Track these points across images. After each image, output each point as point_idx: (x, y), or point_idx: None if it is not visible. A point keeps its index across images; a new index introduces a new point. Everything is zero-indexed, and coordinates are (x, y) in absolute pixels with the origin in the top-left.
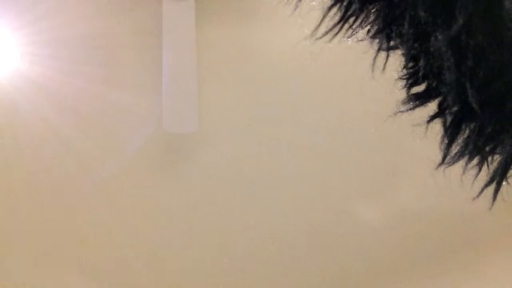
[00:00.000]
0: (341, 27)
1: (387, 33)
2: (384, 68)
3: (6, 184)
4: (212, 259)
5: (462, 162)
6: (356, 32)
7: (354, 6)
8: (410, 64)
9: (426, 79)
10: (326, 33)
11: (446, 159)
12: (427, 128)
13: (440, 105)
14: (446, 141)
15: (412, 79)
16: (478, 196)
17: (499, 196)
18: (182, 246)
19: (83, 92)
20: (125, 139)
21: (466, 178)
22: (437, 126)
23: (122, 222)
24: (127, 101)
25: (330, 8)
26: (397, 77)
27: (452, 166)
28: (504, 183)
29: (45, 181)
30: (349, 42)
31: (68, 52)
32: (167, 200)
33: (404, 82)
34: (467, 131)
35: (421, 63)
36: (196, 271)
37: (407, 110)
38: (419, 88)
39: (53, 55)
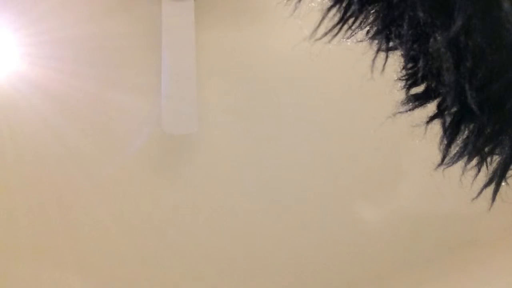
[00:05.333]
0: (340, 28)
1: (386, 34)
2: (383, 69)
3: (6, 184)
4: (212, 259)
5: (461, 163)
6: (355, 33)
7: (353, 7)
8: (409, 65)
9: (425, 80)
10: (325, 34)
11: (445, 160)
12: (426, 129)
13: (439, 106)
14: (445, 141)
15: (411, 80)
16: (477, 196)
17: (498, 197)
18: (181, 246)
19: (83, 92)
20: (125, 139)
21: (465, 179)
22: (436, 127)
23: (121, 222)
24: (126, 101)
25: (329, 9)
26: (396, 78)
27: (452, 167)
28: (503, 183)
29: (45, 181)
30: (348, 43)
31: (67, 52)
32: (167, 200)
33: (403, 83)
34: (466, 132)
35: (420, 64)
36: (196, 271)
37: (407, 111)
38: (418, 89)
39: (52, 56)
